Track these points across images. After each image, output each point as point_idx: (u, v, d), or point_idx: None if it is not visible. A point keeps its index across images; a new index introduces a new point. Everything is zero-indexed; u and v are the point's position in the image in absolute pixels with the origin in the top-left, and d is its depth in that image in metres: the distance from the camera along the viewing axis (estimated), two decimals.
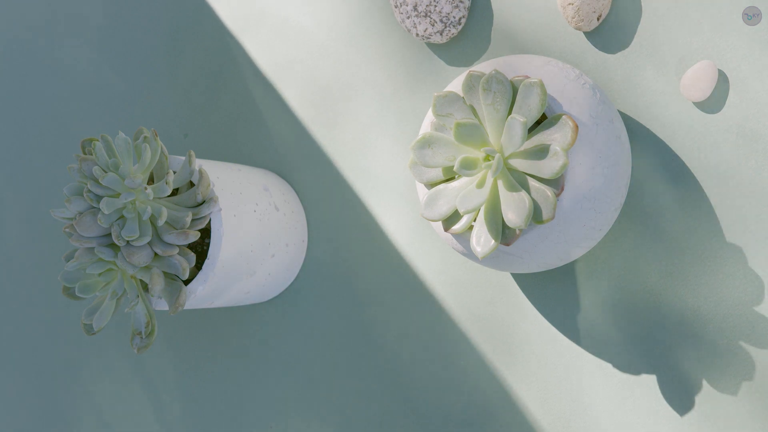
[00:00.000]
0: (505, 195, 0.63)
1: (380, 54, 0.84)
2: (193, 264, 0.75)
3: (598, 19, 0.73)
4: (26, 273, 1.07)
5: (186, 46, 0.95)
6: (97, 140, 0.75)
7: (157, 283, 0.73)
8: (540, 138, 0.63)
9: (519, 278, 0.78)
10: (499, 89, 0.64)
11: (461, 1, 0.78)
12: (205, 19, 0.94)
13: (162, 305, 0.77)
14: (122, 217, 0.74)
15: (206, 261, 0.76)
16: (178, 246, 0.74)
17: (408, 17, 0.80)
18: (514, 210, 0.62)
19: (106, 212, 0.72)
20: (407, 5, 0.79)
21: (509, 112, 0.64)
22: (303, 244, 0.87)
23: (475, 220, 0.66)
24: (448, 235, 0.69)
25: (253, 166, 0.91)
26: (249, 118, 0.91)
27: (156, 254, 0.74)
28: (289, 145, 0.89)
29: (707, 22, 0.70)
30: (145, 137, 0.74)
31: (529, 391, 0.77)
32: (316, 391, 0.87)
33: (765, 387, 0.69)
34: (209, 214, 0.75)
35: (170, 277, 0.76)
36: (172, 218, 0.74)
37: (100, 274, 0.75)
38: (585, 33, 0.75)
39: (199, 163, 0.78)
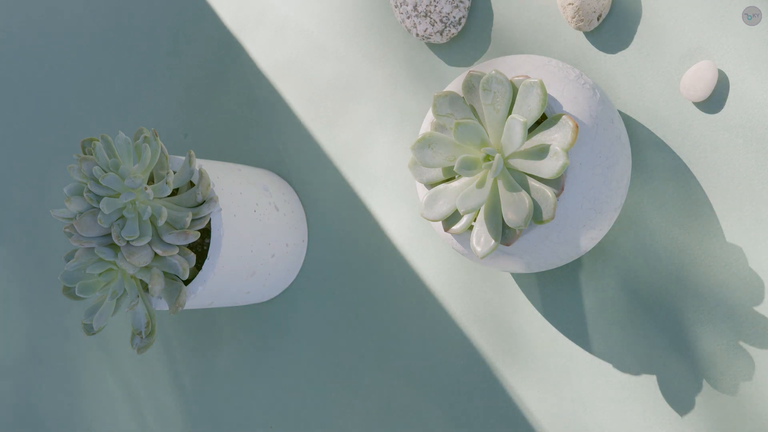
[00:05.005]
0: (505, 195, 0.63)
1: (380, 54, 0.84)
2: (193, 264, 0.75)
3: (598, 19, 0.73)
4: (26, 273, 1.07)
5: (186, 46, 0.95)
6: (97, 140, 0.75)
7: (157, 283, 0.73)
8: (540, 138, 0.63)
9: (519, 278, 0.78)
10: (499, 89, 0.64)
11: (461, 1, 0.78)
12: (205, 19, 0.94)
13: (162, 305, 0.77)
14: (122, 217, 0.74)
15: (206, 261, 0.76)
16: (178, 246, 0.74)
17: (408, 17, 0.80)
18: (514, 210, 0.62)
19: (106, 212, 0.72)
20: (407, 5, 0.79)
21: (509, 112, 0.64)
22: (303, 244, 0.87)
23: (475, 220, 0.66)
24: (448, 235, 0.69)
25: (253, 166, 0.91)
26: (249, 118, 0.91)
27: (156, 254, 0.74)
28: (289, 145, 0.89)
29: (707, 22, 0.70)
30: (145, 137, 0.74)
31: (529, 391, 0.77)
32: (316, 391, 0.87)
33: (765, 387, 0.69)
34: (209, 214, 0.75)
35: (170, 277, 0.76)
36: (172, 218, 0.74)
37: (100, 274, 0.75)
38: (585, 33, 0.75)
39: (199, 163, 0.78)
